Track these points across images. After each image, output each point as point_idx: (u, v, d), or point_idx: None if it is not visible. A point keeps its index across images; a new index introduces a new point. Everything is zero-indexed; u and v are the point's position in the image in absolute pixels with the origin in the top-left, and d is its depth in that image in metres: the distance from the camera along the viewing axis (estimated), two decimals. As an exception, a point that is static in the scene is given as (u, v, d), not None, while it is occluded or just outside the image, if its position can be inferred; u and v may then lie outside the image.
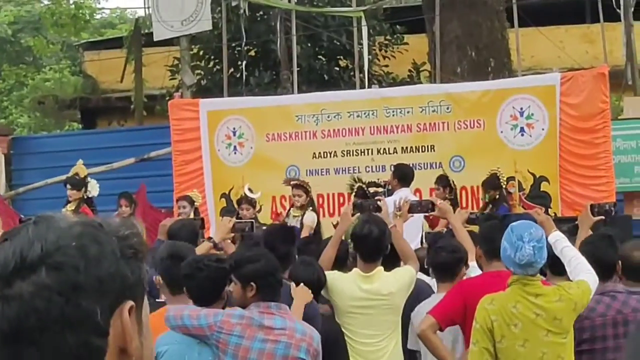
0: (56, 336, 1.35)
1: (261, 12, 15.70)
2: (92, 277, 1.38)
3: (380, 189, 9.50)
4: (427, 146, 11.14)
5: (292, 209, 10.32)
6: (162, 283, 5.57)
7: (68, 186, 11.06)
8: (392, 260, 6.45)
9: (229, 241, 7.89)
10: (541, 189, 10.52)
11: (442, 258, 6.35)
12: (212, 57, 16.95)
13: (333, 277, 6.18)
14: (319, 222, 9.83)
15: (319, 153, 11.53)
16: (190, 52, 16.28)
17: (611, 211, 8.55)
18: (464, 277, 6.19)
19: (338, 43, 16.68)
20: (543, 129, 10.71)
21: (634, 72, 13.03)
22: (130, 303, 1.43)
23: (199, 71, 16.97)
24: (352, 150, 11.42)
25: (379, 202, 7.64)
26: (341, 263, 6.64)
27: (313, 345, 4.96)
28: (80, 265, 1.37)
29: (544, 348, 5.02)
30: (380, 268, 6.23)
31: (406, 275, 6.28)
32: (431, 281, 6.51)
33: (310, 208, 10.06)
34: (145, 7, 17.54)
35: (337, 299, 6.14)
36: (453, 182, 10.34)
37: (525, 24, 14.59)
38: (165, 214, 10.34)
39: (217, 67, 15.92)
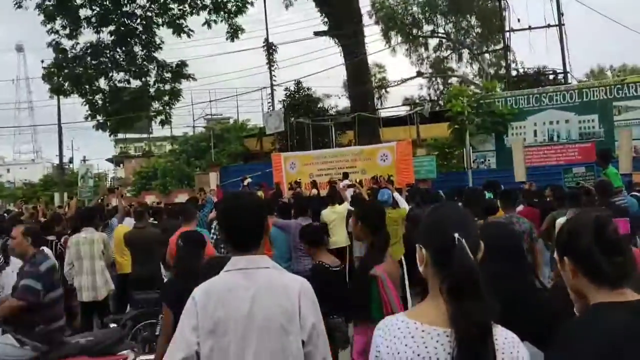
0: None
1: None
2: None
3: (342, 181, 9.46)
4: (354, 167, 11.08)
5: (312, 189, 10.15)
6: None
7: (241, 183, 10.82)
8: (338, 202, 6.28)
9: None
10: (391, 179, 10.55)
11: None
12: (285, 140, 16.81)
13: (324, 212, 5.98)
14: (319, 195, 9.34)
15: (320, 170, 11.41)
16: (277, 137, 16.26)
17: (412, 184, 8.73)
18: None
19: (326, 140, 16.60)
20: (391, 161, 10.66)
21: (420, 142, 13.16)
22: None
23: (281, 143, 16.76)
24: (332, 169, 11.25)
25: (335, 185, 7.74)
26: (327, 205, 6.26)
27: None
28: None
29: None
30: (337, 205, 6.19)
31: (346, 205, 6.19)
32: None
33: (316, 190, 9.73)
34: (262, 124, 17.48)
35: (329, 217, 5.92)
36: (360, 181, 9.98)
37: (386, 126, 14.70)
38: (270, 189, 10.33)
39: (286, 143, 15.85)
